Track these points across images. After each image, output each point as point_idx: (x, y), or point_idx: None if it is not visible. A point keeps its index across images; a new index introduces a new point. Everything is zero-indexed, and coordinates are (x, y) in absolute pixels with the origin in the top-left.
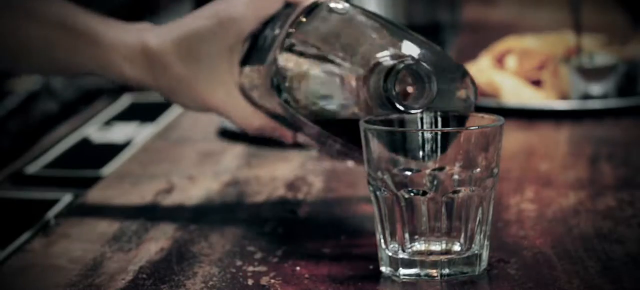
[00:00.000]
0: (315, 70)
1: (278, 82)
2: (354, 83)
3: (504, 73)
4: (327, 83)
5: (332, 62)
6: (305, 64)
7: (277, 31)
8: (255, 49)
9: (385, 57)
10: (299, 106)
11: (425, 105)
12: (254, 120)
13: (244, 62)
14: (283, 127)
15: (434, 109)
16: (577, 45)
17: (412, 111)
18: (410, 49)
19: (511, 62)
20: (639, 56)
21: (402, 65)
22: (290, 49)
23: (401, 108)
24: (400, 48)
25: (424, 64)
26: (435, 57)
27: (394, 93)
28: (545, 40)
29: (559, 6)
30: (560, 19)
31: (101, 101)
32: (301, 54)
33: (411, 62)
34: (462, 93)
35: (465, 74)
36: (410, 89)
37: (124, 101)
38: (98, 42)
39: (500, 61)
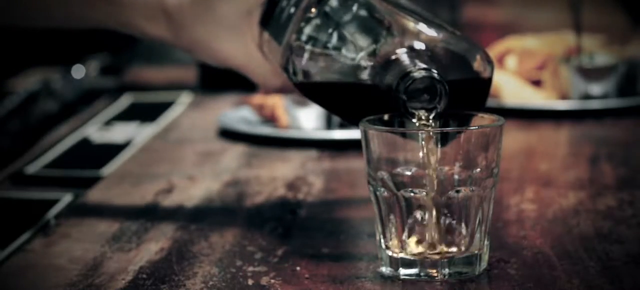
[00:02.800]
0: (328, 60)
1: (292, 69)
2: (367, 75)
3: (504, 73)
4: (340, 74)
5: (346, 50)
6: (318, 54)
7: (292, 10)
8: (273, 14)
9: (403, 54)
10: (310, 93)
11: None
12: (274, 79)
13: (263, 22)
14: None
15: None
16: (577, 45)
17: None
18: (428, 33)
19: (511, 62)
20: (639, 56)
21: (418, 75)
22: (304, 37)
23: (407, 114)
24: (418, 35)
25: (439, 78)
26: (453, 39)
27: (403, 97)
28: (545, 40)
29: (559, 6)
30: (560, 19)
31: (101, 101)
32: (315, 43)
33: (426, 74)
34: (479, 69)
35: (483, 53)
36: (420, 96)
37: (124, 101)
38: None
39: (500, 61)
